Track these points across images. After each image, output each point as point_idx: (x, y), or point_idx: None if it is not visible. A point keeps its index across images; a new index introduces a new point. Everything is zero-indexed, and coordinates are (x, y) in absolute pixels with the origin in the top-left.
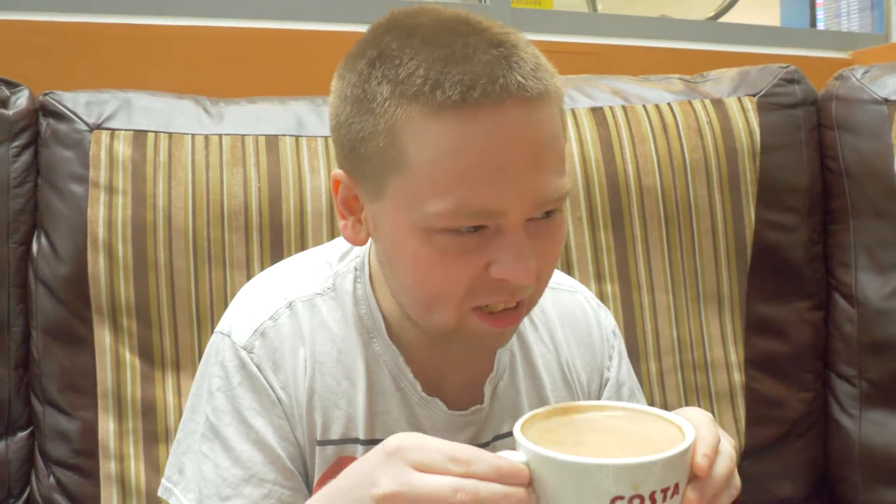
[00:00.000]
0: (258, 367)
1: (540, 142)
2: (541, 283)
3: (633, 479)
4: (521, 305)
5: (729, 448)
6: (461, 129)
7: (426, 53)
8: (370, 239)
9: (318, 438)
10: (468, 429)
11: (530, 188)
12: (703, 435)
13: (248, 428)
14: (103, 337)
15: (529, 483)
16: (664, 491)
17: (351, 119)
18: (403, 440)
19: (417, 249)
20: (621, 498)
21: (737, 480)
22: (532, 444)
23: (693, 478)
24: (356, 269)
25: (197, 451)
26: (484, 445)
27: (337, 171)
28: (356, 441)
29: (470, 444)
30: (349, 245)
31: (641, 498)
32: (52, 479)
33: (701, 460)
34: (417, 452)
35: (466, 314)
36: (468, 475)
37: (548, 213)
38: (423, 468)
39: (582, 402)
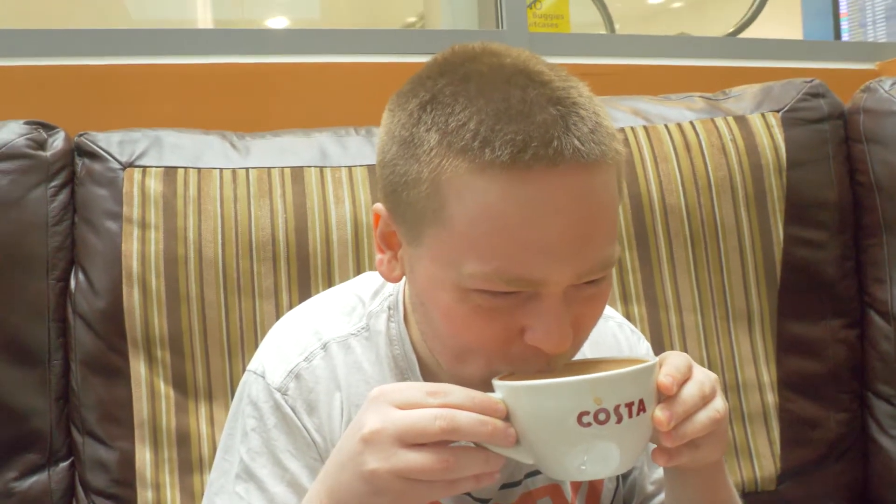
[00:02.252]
0: (293, 409)
1: (591, 212)
2: (577, 346)
3: (596, 393)
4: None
5: (702, 376)
6: (508, 191)
7: (480, 105)
8: (404, 277)
9: None
10: (503, 471)
11: (575, 260)
12: (669, 360)
13: (283, 470)
14: (139, 368)
15: (506, 417)
16: (629, 406)
17: (396, 160)
18: (384, 387)
19: (451, 304)
20: (587, 413)
21: (718, 404)
22: (504, 381)
23: (662, 399)
24: (390, 308)
25: (231, 492)
26: (516, 485)
27: (378, 206)
28: None
29: (504, 484)
30: (380, 281)
31: (607, 412)
32: None
33: (664, 379)
34: (398, 393)
35: (496, 372)
36: (445, 405)
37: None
38: (404, 405)
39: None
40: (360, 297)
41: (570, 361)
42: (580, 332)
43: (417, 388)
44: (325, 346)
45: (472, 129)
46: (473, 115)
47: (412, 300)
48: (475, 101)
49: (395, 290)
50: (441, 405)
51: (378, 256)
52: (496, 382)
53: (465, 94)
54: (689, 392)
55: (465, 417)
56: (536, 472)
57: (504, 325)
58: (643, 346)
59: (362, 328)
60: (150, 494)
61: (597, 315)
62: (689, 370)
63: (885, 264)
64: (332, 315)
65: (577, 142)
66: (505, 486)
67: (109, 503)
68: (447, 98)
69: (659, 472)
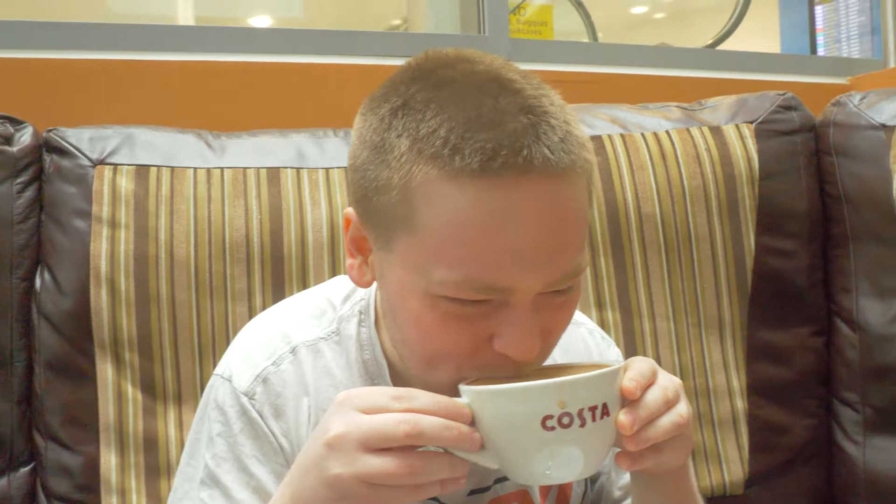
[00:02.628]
0: (260, 413)
1: (560, 221)
2: (545, 353)
3: (559, 397)
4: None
5: (667, 380)
6: (477, 199)
7: (451, 112)
8: (375, 283)
9: None
10: (472, 476)
11: (544, 268)
12: (633, 365)
13: (249, 476)
14: (106, 371)
15: (472, 422)
16: (592, 410)
17: (367, 165)
18: (350, 391)
19: (421, 311)
20: (551, 417)
21: (681, 408)
22: (470, 386)
23: (626, 404)
24: (361, 313)
25: (195, 498)
26: (485, 490)
27: (349, 210)
28: None
29: (473, 490)
30: (352, 285)
31: (570, 416)
32: None
33: (628, 383)
34: (362, 398)
35: (466, 378)
36: (410, 410)
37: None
38: (369, 410)
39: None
40: (331, 301)
41: (540, 367)
42: (549, 339)
43: (382, 393)
44: (293, 350)
45: (443, 136)
46: (444, 121)
47: (382, 305)
48: (446, 108)
49: (367, 295)
50: (406, 410)
51: (348, 261)
52: (462, 387)
53: (436, 101)
54: (653, 396)
55: (430, 422)
56: (506, 478)
57: (473, 332)
58: (613, 352)
59: (332, 332)
60: (115, 500)
61: (565, 323)
62: (654, 375)
63: (851, 274)
64: (301, 319)
65: (547, 150)
66: (474, 492)
67: None
68: (419, 104)
69: (626, 478)
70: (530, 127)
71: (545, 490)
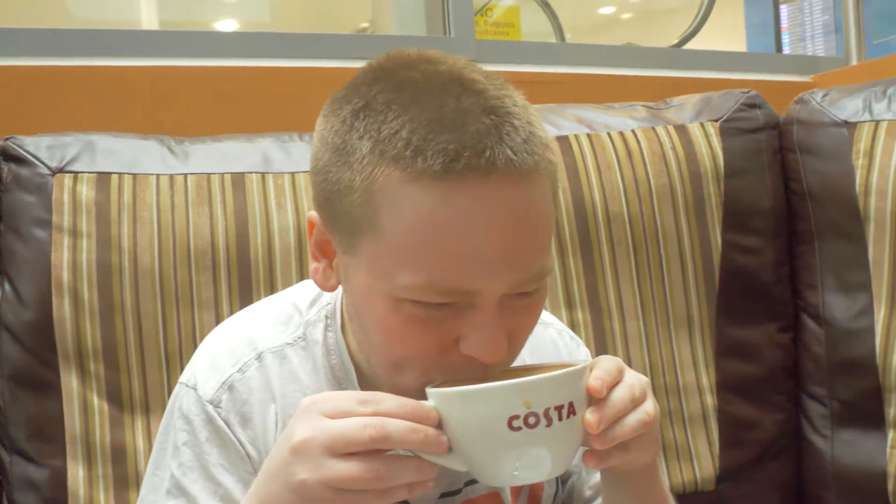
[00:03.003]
0: (226, 421)
1: (524, 222)
2: (512, 355)
3: (524, 397)
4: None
5: (633, 379)
6: (440, 201)
7: (413, 113)
8: (340, 286)
9: None
10: (442, 479)
11: (509, 270)
12: (600, 364)
13: (216, 485)
14: (70, 382)
15: (439, 426)
16: (558, 409)
17: (329, 167)
18: (316, 396)
19: (386, 314)
20: (517, 417)
21: (647, 406)
22: (436, 388)
23: (592, 402)
24: (327, 318)
25: None
26: (456, 493)
27: (312, 214)
28: None
29: (444, 493)
30: (318, 290)
31: (537, 416)
32: None
33: (594, 382)
34: (328, 402)
35: (432, 380)
36: (376, 413)
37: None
38: (334, 414)
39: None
40: (297, 306)
41: (507, 369)
42: (515, 341)
43: (348, 397)
44: (259, 357)
45: (405, 137)
46: (406, 123)
47: (348, 309)
48: (408, 110)
49: (333, 300)
50: (372, 413)
51: (313, 265)
52: (429, 390)
53: (398, 102)
54: (619, 395)
55: (396, 425)
56: (476, 480)
57: (439, 335)
58: (583, 352)
59: (299, 337)
60: None
61: (532, 324)
62: (620, 373)
63: (817, 270)
64: (267, 324)
65: (509, 152)
66: (444, 495)
67: None
68: (380, 105)
69: (596, 477)
70: (493, 128)
71: (516, 491)
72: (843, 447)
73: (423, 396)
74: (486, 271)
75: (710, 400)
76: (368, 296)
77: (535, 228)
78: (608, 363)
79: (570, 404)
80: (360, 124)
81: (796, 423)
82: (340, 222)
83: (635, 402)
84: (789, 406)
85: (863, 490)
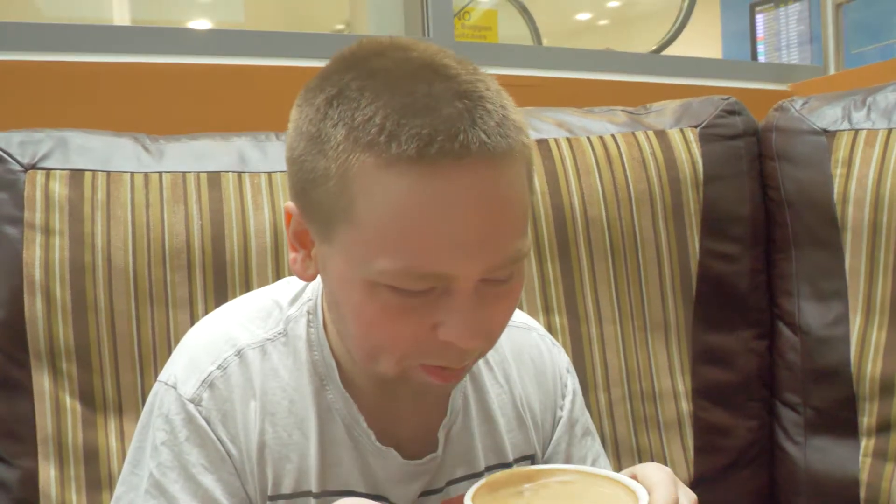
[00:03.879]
0: (207, 420)
1: (499, 204)
2: (490, 342)
3: None
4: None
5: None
6: (415, 186)
7: (385, 99)
8: (319, 278)
9: (270, 493)
10: (423, 477)
11: (485, 254)
12: (657, 498)
13: (196, 485)
14: (42, 382)
15: None
16: None
17: (304, 156)
18: None
19: (363, 302)
20: None
21: None
22: None
23: None
24: (309, 313)
25: None
26: (437, 492)
27: (289, 204)
28: (308, 494)
29: (425, 490)
30: (300, 286)
31: None
32: None
33: None
34: None
35: (410, 367)
36: None
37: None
38: None
39: (534, 468)
40: (278, 303)
41: (539, 473)
42: (492, 330)
43: None
44: (239, 353)
45: (378, 123)
46: (379, 109)
47: (327, 299)
48: (381, 96)
49: (315, 295)
50: None
51: (291, 255)
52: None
53: (371, 89)
54: None
55: None
56: (459, 480)
57: (416, 323)
58: (563, 359)
59: (279, 333)
60: None
61: (508, 313)
62: (677, 501)
63: (793, 278)
64: (246, 321)
65: (483, 135)
66: (426, 493)
67: None
68: (353, 93)
69: None
70: (466, 112)
71: None
72: (816, 454)
73: (402, 381)
74: (462, 255)
75: (685, 406)
76: (345, 284)
77: (510, 211)
78: (665, 494)
79: None
80: (333, 112)
81: (770, 430)
82: (317, 211)
83: None
84: (763, 413)
85: (835, 497)
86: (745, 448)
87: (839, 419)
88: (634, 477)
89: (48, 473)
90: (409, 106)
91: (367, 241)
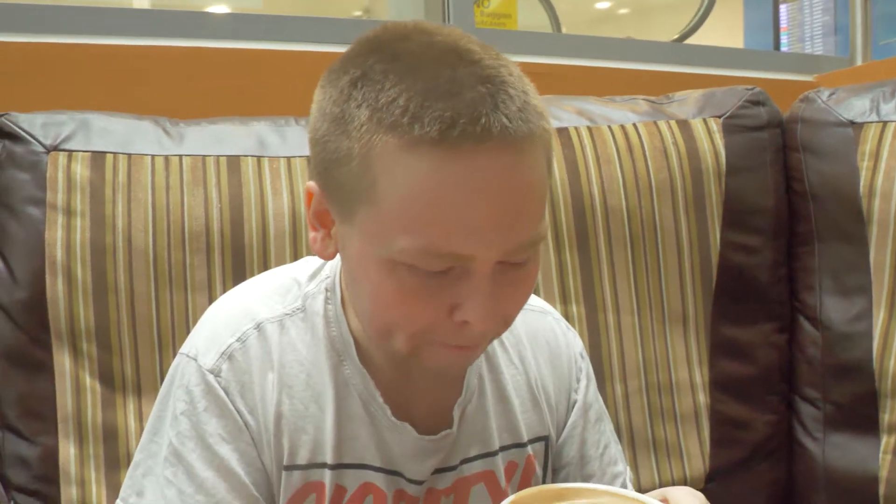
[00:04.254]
0: (225, 391)
1: (519, 188)
2: (506, 324)
3: None
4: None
5: None
6: (436, 167)
7: (409, 82)
8: (338, 256)
9: (285, 463)
10: (437, 454)
11: (503, 237)
12: None
13: (213, 454)
14: (63, 361)
15: None
16: None
17: (327, 137)
18: None
19: (381, 281)
20: None
21: None
22: None
23: None
24: (327, 290)
25: (159, 475)
26: (451, 469)
27: (310, 183)
28: (324, 466)
29: (439, 467)
30: (318, 265)
31: None
32: None
33: None
34: None
35: (424, 345)
36: None
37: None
38: None
39: (563, 486)
40: (297, 280)
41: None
42: (508, 313)
43: None
44: (258, 327)
45: (402, 105)
46: (403, 91)
47: (345, 278)
48: (405, 79)
49: (333, 273)
50: None
51: (311, 234)
52: None
53: (395, 71)
54: None
55: None
56: (473, 459)
57: (433, 303)
58: (578, 343)
59: (297, 309)
60: (74, 491)
61: (525, 296)
62: None
63: (815, 271)
64: (266, 296)
65: (505, 119)
66: (440, 470)
67: (32, 500)
68: (377, 75)
69: (590, 469)
70: (488, 96)
71: (510, 473)
72: (834, 451)
73: (414, 359)
74: (481, 236)
75: (702, 398)
76: (364, 263)
77: (529, 195)
78: None
79: None
80: (357, 93)
81: (788, 425)
82: (338, 191)
83: None
84: (782, 408)
85: (854, 494)
86: (763, 442)
87: (860, 415)
88: (665, 500)
89: (68, 451)
90: (433, 89)
91: (388, 221)
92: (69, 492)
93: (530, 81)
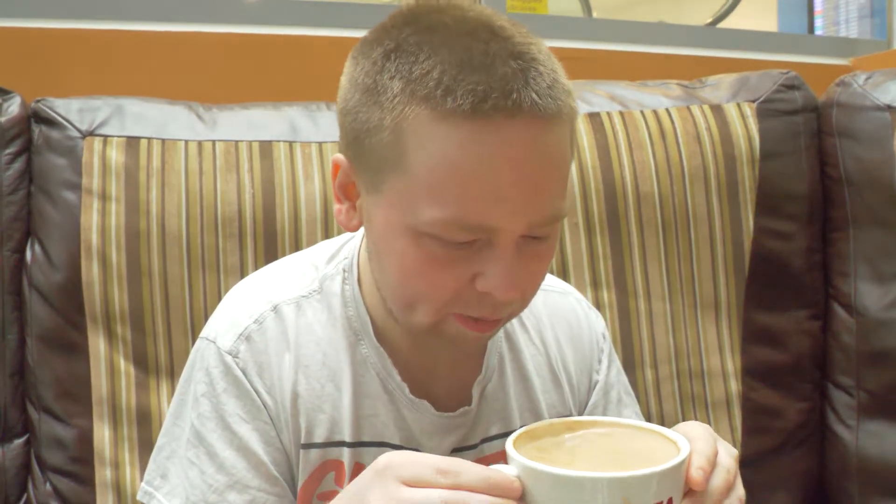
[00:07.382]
0: (243, 371)
1: (545, 164)
2: (525, 299)
3: (625, 493)
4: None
5: (728, 460)
6: (467, 140)
7: (443, 55)
8: (361, 233)
9: (303, 442)
10: (457, 431)
11: (528, 210)
12: (698, 448)
13: (232, 434)
14: (98, 344)
15: (521, 497)
16: None
17: (359, 108)
18: (392, 458)
19: (406, 251)
20: None
21: (739, 491)
22: (524, 458)
23: (689, 492)
24: (345, 271)
25: (182, 457)
26: (472, 448)
27: (338, 156)
28: (342, 444)
29: (458, 446)
30: (335, 248)
31: None
32: (48, 487)
33: (696, 473)
34: (406, 468)
35: (445, 317)
36: (457, 487)
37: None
38: (412, 483)
39: (575, 418)
40: (314, 263)
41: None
42: (529, 285)
43: (427, 465)
44: (275, 308)
45: (436, 77)
46: (437, 64)
47: (368, 249)
48: (439, 51)
49: (350, 254)
50: (452, 486)
51: (336, 206)
52: (514, 456)
53: (429, 44)
54: (716, 484)
55: (478, 502)
56: (493, 438)
57: (457, 273)
58: (600, 323)
59: (314, 290)
60: (108, 473)
61: (543, 271)
62: (716, 455)
63: (850, 258)
64: (283, 279)
65: (535, 95)
66: (460, 449)
67: (67, 481)
68: (411, 47)
69: None
70: (520, 72)
71: None
72: (868, 438)
73: (436, 331)
74: (507, 209)
75: (734, 385)
76: (390, 232)
77: (555, 171)
78: (706, 448)
79: (670, 500)
80: (391, 65)
81: (821, 413)
82: (367, 161)
83: (729, 487)
84: (815, 395)
85: (887, 482)
86: (795, 430)
87: (894, 403)
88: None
89: (102, 433)
90: (466, 62)
91: (417, 191)
92: (103, 473)
93: (558, 61)
